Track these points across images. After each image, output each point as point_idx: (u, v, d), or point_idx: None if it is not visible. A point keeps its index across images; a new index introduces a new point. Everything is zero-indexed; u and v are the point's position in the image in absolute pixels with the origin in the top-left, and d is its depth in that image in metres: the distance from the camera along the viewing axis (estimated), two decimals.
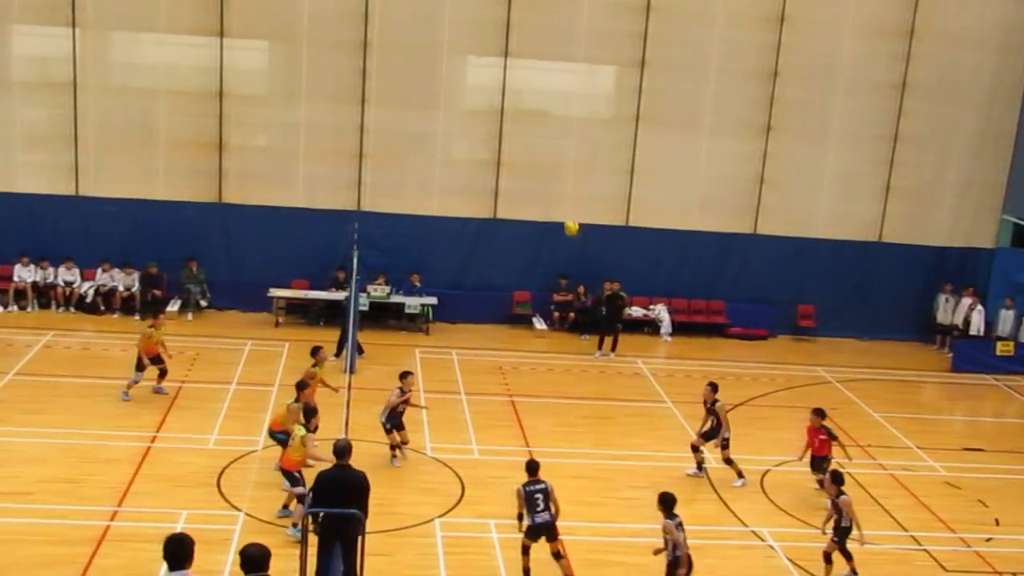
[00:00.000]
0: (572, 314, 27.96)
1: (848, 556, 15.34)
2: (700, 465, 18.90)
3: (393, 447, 18.36)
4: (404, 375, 18.52)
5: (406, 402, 18.22)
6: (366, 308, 25.91)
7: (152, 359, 20.72)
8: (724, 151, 28.49)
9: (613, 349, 26.22)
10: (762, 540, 16.63)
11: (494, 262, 28.29)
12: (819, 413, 18.14)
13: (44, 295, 26.87)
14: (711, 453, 18.99)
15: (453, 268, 28.20)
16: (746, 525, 17.12)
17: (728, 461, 18.69)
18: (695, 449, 18.88)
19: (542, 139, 28.72)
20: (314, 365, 18.99)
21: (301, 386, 17.74)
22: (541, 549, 14.60)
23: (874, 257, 29.26)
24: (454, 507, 17.10)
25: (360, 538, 12.72)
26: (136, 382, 20.48)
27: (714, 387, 19.00)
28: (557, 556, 14.60)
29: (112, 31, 27.35)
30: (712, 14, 27.69)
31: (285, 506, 15.68)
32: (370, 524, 13.25)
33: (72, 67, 26.63)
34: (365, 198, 27.77)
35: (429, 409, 19.17)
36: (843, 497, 15.18)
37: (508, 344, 26.72)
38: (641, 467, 18.75)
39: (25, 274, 26.74)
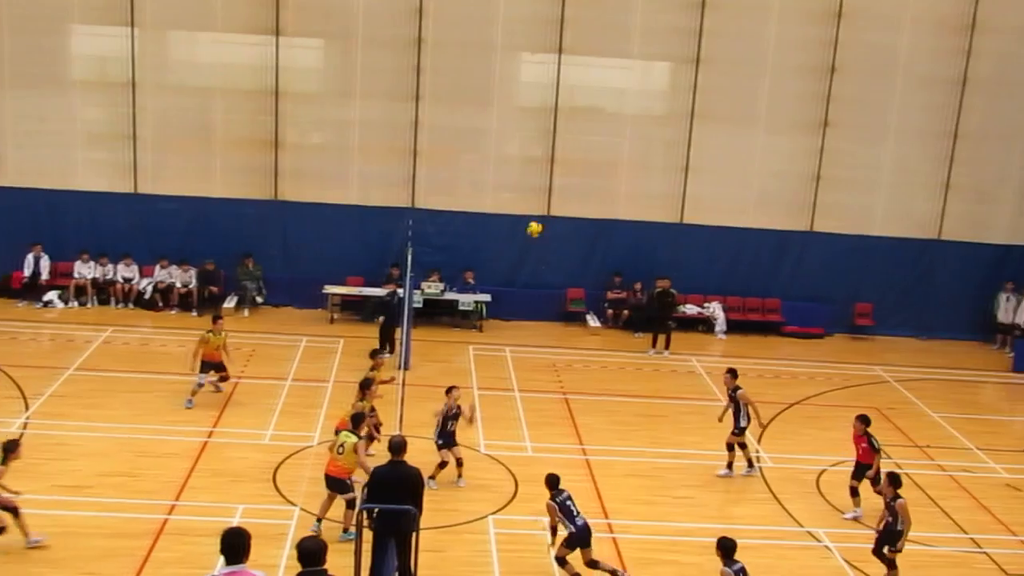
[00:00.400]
0: (626, 311, 27.86)
1: (885, 561, 15.01)
2: (731, 465, 18.67)
3: (444, 464, 17.50)
4: (449, 390, 17.87)
5: (455, 417, 17.70)
6: (420, 305, 25.99)
7: (213, 365, 20.52)
8: (780, 147, 28.25)
9: (667, 347, 26.10)
10: (818, 541, 16.45)
11: (547, 259, 28.25)
12: (862, 420, 17.52)
13: (103, 291, 27.23)
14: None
15: (506, 265, 28.21)
16: (802, 526, 16.94)
17: (742, 446, 18.55)
18: (730, 448, 18.65)
19: (595, 136, 28.65)
20: (372, 369, 18.76)
21: (365, 385, 17.60)
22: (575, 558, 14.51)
23: (933, 255, 28.87)
24: (507, 504, 17.10)
25: (414, 534, 12.74)
26: (201, 385, 20.35)
27: (734, 373, 18.86)
28: (593, 564, 14.49)
29: (169, 30, 27.68)
30: (768, 9, 27.47)
31: (346, 529, 15.23)
32: (424, 520, 13.28)
33: (130, 66, 26.95)
34: (419, 195, 27.85)
35: (473, 421, 18.48)
36: (900, 500, 14.86)
37: (561, 341, 26.68)
38: (695, 466, 18.62)
39: (85, 271, 27.13)
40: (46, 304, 26.71)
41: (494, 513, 16.67)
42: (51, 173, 27.42)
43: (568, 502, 14.58)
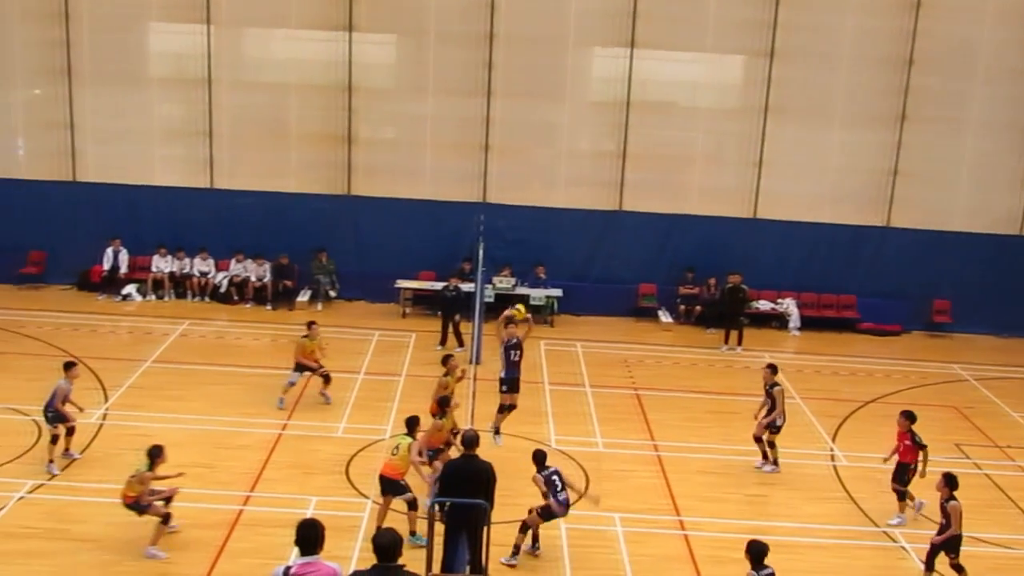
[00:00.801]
0: (698, 307, 27.66)
1: (929, 567, 14.65)
2: (766, 456, 18.44)
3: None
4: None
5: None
6: (491, 300, 26.04)
7: (307, 367, 20.46)
8: (856, 141, 27.83)
9: (739, 343, 25.86)
10: (894, 541, 16.20)
11: (619, 254, 28.14)
12: (907, 416, 16.96)
13: (180, 285, 27.64)
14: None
15: (578, 260, 28.15)
16: (877, 525, 16.70)
17: (770, 444, 18.29)
18: (757, 440, 18.44)
19: (668, 130, 28.48)
20: (446, 375, 18.40)
21: (444, 403, 17.07)
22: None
23: (1014, 251, 28.21)
24: (578, 500, 17.03)
25: (485, 528, 12.76)
26: (292, 384, 20.31)
27: (773, 369, 18.54)
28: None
29: (244, 27, 28.04)
30: (845, 0, 27.07)
31: (413, 532, 15.12)
32: (495, 514, 13.29)
33: (207, 63, 27.32)
34: (490, 190, 27.90)
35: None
36: (953, 503, 14.32)
37: (633, 337, 26.57)
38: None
39: (162, 264, 27.56)
40: (125, 297, 27.20)
41: None
42: (129, 169, 27.91)
43: (554, 477, 14.72)
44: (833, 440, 20.21)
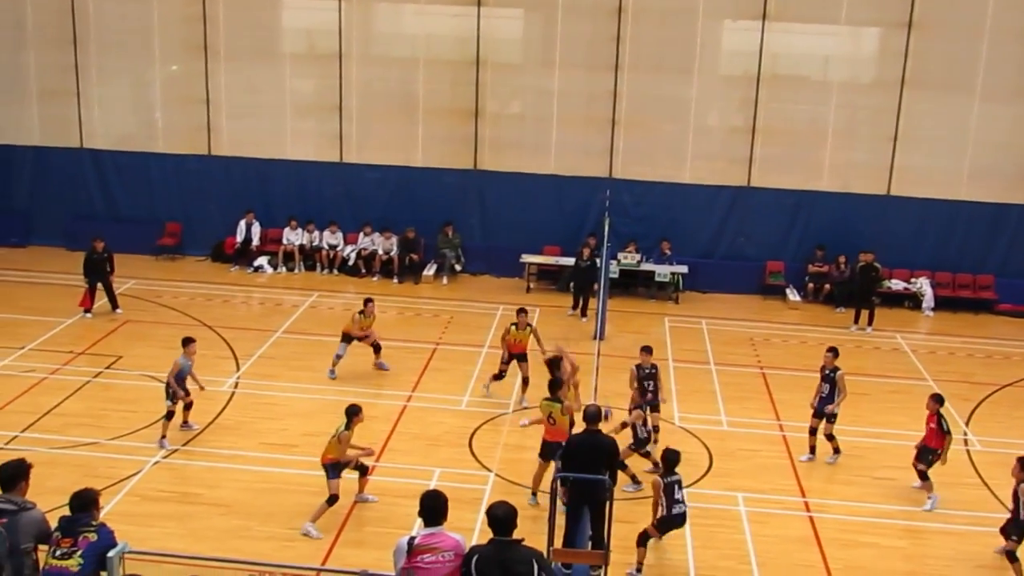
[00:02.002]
0: (827, 286, 27.10)
1: (1012, 557, 14.17)
2: (814, 450, 17.73)
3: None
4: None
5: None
6: (616, 276, 25.95)
7: (354, 338, 20.55)
8: (998, 116, 26.81)
9: (870, 323, 25.28)
10: None
11: (747, 231, 27.75)
12: (936, 399, 16.43)
13: (310, 258, 28.15)
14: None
15: (705, 237, 27.84)
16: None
17: (829, 436, 17.51)
18: (812, 432, 17.70)
19: (800, 105, 27.91)
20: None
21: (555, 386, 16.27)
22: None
23: None
24: (701, 478, 16.94)
25: (608, 504, 12.74)
26: (340, 356, 20.45)
27: (835, 352, 17.76)
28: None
29: (375, 2, 28.37)
30: None
31: (534, 493, 15.48)
32: (619, 491, 13.26)
33: (338, 38, 27.69)
34: (617, 165, 27.73)
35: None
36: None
37: (760, 315, 26.19)
38: (897, 446, 17.93)
39: (293, 237, 28.09)
40: (256, 269, 27.83)
41: (688, 486, 16.46)
42: (262, 143, 28.51)
43: (675, 487, 14.01)
44: (967, 424, 19.66)
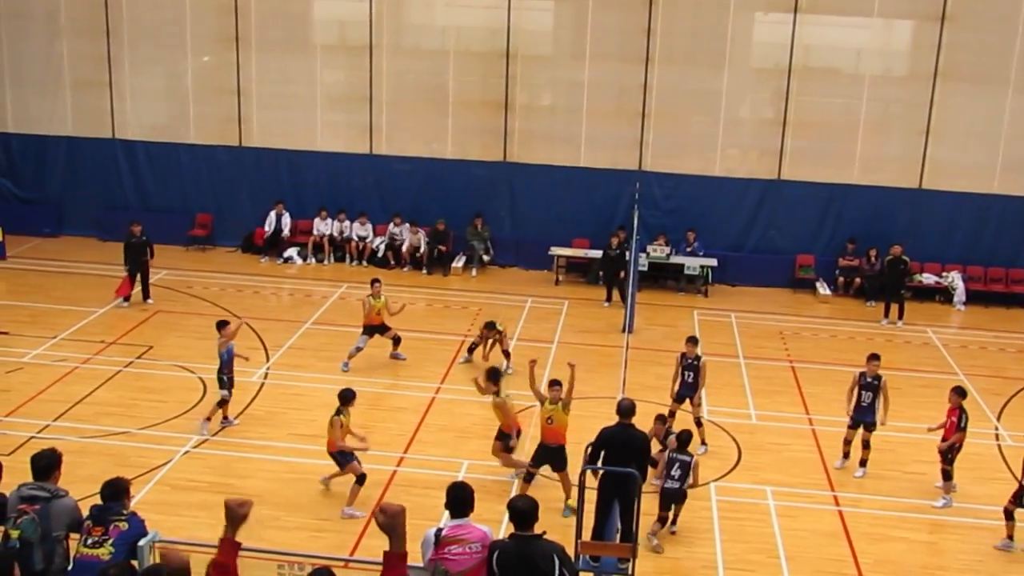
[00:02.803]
0: (858, 279, 26.94)
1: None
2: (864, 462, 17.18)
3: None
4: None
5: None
6: (645, 268, 25.90)
7: (376, 328, 20.73)
8: None
9: (900, 317, 25.12)
10: None
11: (778, 224, 27.62)
12: (959, 392, 16.24)
13: (340, 249, 28.20)
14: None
15: (735, 229, 27.71)
16: None
17: (865, 444, 16.83)
18: (848, 442, 17.19)
19: (831, 98, 27.72)
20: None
21: (495, 376, 16.61)
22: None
23: None
24: (730, 471, 16.90)
25: (636, 498, 12.72)
26: (359, 348, 20.53)
27: (878, 358, 17.23)
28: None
29: None
30: None
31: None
32: (647, 484, 13.25)
33: (369, 30, 27.73)
34: (647, 158, 27.64)
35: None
36: None
37: (789, 309, 26.08)
38: (929, 441, 17.74)
39: (323, 227, 28.15)
40: (286, 260, 27.93)
41: (716, 480, 16.51)
42: (293, 134, 28.61)
43: (676, 463, 14.57)
44: (998, 419, 19.51)
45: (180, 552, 7.77)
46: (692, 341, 17.84)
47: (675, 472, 14.54)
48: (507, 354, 20.72)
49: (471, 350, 21.09)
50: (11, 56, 28.88)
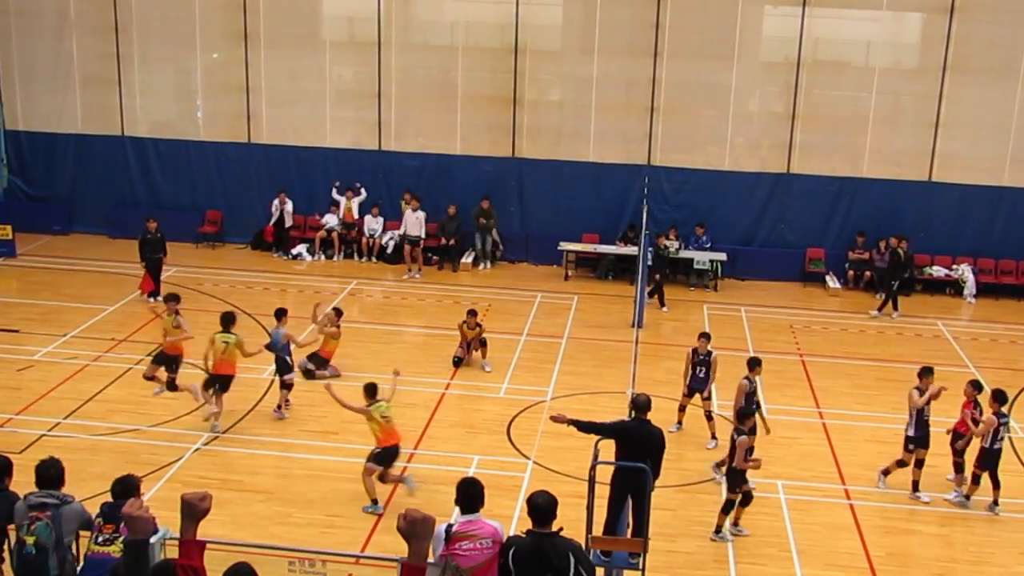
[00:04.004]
0: (868, 273, 26.88)
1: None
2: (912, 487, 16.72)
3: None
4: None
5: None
6: (651, 264, 25.86)
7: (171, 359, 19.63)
8: None
9: (895, 308, 25.04)
10: None
11: (787, 218, 27.57)
12: (974, 385, 16.21)
13: (349, 246, 28.16)
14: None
15: (744, 223, 27.67)
16: None
17: (919, 463, 16.31)
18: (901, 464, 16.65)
19: (840, 91, 27.69)
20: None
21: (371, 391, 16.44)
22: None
23: None
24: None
25: (648, 494, 12.69)
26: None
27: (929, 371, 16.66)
28: None
29: None
30: None
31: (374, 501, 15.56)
32: (659, 479, 13.23)
33: (377, 26, 27.73)
34: (656, 152, 27.60)
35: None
36: None
37: (799, 302, 26.04)
38: (939, 434, 17.73)
39: (332, 221, 28.06)
40: (295, 257, 27.91)
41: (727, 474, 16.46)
42: (302, 131, 28.64)
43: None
44: (1009, 411, 19.40)
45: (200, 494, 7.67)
46: (704, 337, 17.87)
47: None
48: (483, 344, 20.62)
49: (457, 363, 20.66)
50: (21, 54, 28.94)
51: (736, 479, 14.54)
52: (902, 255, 25.22)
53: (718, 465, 16.26)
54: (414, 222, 27.30)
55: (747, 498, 14.68)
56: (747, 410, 15.08)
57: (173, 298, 18.73)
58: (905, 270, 25.52)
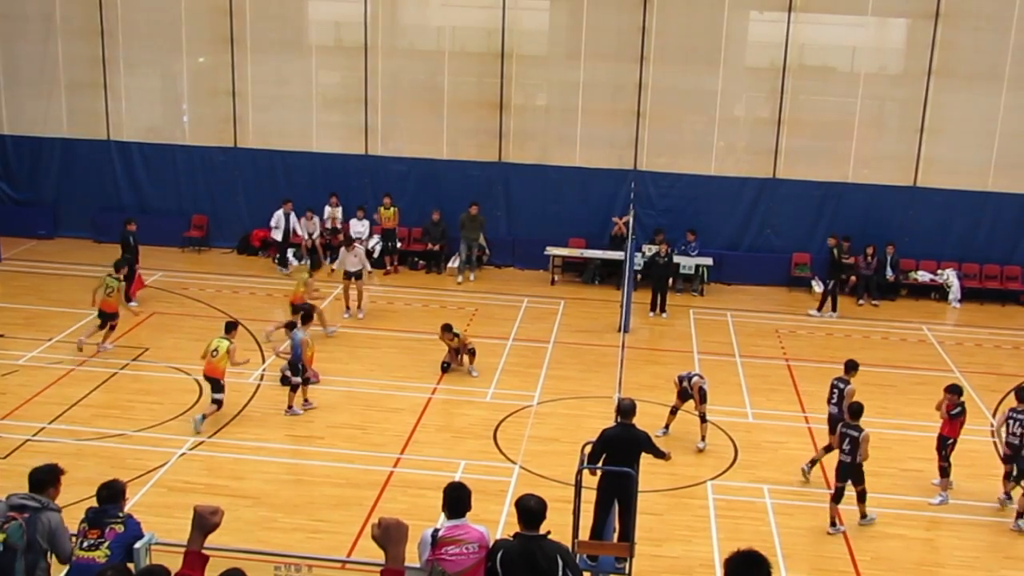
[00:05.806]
0: (853, 277, 26.94)
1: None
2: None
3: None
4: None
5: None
6: (640, 267, 25.90)
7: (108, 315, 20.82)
8: None
9: (834, 309, 25.18)
10: None
11: (774, 223, 27.63)
12: (953, 390, 16.22)
13: (335, 250, 27.94)
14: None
15: (730, 228, 27.71)
16: None
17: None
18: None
19: (826, 96, 27.74)
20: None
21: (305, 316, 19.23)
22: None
23: None
24: (727, 470, 16.91)
25: (634, 498, 12.71)
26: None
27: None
28: None
29: None
30: None
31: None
32: (644, 484, 13.27)
33: (364, 31, 27.72)
34: (642, 157, 27.64)
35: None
36: None
37: (785, 307, 26.10)
38: (924, 438, 17.83)
39: (310, 228, 27.57)
40: (282, 262, 27.74)
41: (713, 478, 16.53)
42: (288, 135, 28.55)
43: (846, 437, 14.99)
44: (994, 415, 19.53)
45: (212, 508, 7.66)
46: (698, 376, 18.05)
47: (845, 446, 14.97)
48: (470, 352, 20.56)
49: (444, 369, 20.62)
50: (6, 57, 28.84)
51: (861, 472, 14.99)
52: (836, 254, 25.30)
53: (811, 463, 16.63)
54: (353, 260, 23.69)
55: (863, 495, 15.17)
56: (859, 407, 15.44)
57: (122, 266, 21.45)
58: (841, 270, 25.54)
